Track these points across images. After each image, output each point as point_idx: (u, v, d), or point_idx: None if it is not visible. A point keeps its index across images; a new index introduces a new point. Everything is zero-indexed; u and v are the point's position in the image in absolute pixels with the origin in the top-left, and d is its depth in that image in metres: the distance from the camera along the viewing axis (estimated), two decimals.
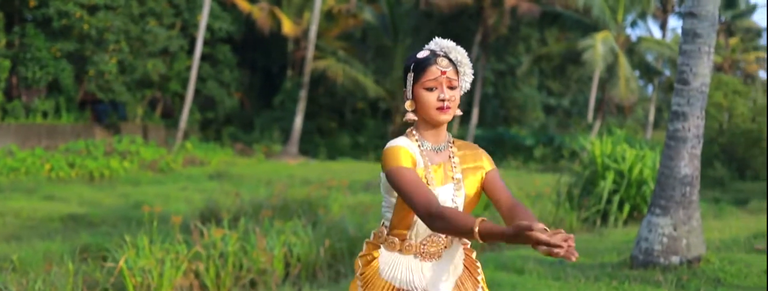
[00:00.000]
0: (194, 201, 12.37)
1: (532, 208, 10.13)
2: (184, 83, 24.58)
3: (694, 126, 5.69)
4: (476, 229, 2.03)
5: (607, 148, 10.96)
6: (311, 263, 7.09)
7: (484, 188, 2.47)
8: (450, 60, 2.37)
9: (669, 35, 37.42)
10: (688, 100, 5.69)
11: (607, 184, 10.34)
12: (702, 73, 5.68)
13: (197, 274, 6.18)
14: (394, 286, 2.43)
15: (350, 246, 7.41)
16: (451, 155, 2.46)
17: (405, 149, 2.36)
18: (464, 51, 2.43)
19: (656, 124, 36.56)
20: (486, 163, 2.50)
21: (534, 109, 37.68)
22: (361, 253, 2.53)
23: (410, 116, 2.41)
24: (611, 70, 26.23)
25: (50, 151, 19.13)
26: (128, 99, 23.14)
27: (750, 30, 44.68)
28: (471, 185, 2.44)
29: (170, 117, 26.80)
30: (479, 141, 29.00)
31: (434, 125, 2.41)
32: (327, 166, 21.51)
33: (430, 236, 2.41)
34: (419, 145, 2.42)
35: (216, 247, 6.34)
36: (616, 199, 10.34)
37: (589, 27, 26.53)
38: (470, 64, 2.44)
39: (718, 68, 41.26)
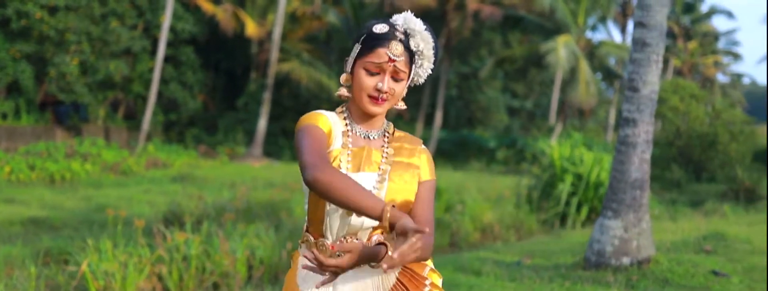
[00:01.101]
0: (157, 204, 12.36)
1: (492, 211, 10.32)
2: (147, 85, 24.44)
3: (644, 132, 5.90)
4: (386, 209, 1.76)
5: (566, 151, 11.21)
6: (274, 266, 7.18)
7: None
8: (408, 47, 2.01)
9: (629, 39, 38.08)
10: (638, 106, 5.90)
11: (565, 187, 10.59)
12: (651, 80, 5.89)
13: (160, 278, 6.23)
14: None
15: None
16: (385, 145, 2.08)
17: (325, 117, 2.04)
18: (430, 38, 2.03)
19: (617, 127, 37.17)
20: (424, 169, 2.11)
21: (498, 112, 38.07)
22: (293, 252, 2.18)
23: (342, 91, 2.07)
24: (573, 73, 26.65)
25: (10, 154, 18.88)
26: (90, 100, 22.93)
27: (708, 34, 45.64)
28: (399, 181, 2.04)
29: (133, 119, 26.62)
30: (443, 143, 29.27)
31: (365, 112, 2.05)
32: (291, 168, 21.54)
33: (346, 236, 2.02)
34: (347, 124, 2.07)
35: (179, 251, 6.40)
36: (575, 201, 10.59)
37: (551, 30, 26.94)
38: (431, 57, 2.05)
39: (677, 72, 42.13)
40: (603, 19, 32.27)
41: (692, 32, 43.14)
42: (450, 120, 34.57)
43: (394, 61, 1.97)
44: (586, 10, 27.36)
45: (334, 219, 2.01)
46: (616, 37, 58.27)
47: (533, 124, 38.11)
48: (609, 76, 31.27)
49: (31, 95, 21.91)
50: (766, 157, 19.81)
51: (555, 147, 11.30)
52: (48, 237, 8.65)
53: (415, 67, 2.04)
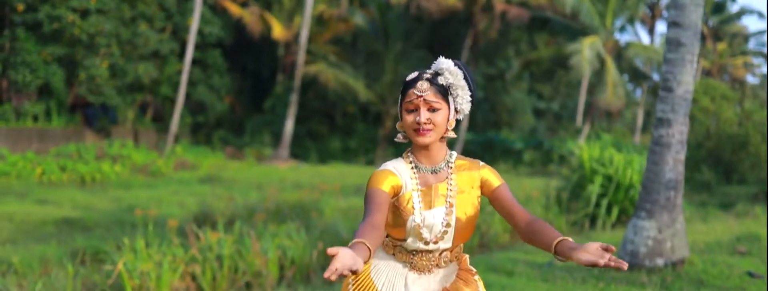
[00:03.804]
0: (187, 205, 12.46)
1: None
2: (175, 87, 24.65)
3: (678, 132, 5.85)
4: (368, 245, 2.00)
5: (595, 152, 11.13)
6: (305, 266, 7.21)
7: (494, 206, 2.47)
8: (435, 83, 2.35)
9: (657, 40, 37.75)
10: (672, 106, 5.86)
11: (595, 188, 10.51)
12: (685, 80, 5.84)
13: (194, 277, 6.29)
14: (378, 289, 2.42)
15: None
16: (449, 177, 2.43)
17: (390, 174, 2.37)
18: (459, 70, 2.40)
19: (644, 128, 36.87)
20: (492, 179, 2.47)
21: (524, 113, 37.86)
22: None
23: (400, 137, 2.42)
24: (599, 75, 26.45)
25: (41, 155, 19.14)
26: (119, 103, 23.17)
27: (737, 35, 45.04)
28: (462, 209, 2.41)
29: (161, 121, 26.85)
30: (470, 145, 29.22)
31: (421, 147, 2.40)
32: (318, 170, 21.62)
33: (421, 252, 2.40)
34: (413, 167, 2.42)
35: (212, 250, 6.45)
36: (604, 202, 10.50)
37: (578, 32, 26.75)
38: (465, 86, 2.41)
39: (706, 73, 41.66)
40: (631, 21, 31.96)
41: (721, 33, 42.63)
42: (476, 122, 34.46)
43: (421, 96, 2.33)
44: (613, 11, 27.13)
45: (412, 239, 2.39)
46: (644, 38, 57.82)
47: (560, 125, 37.88)
48: (636, 77, 31.00)
49: (61, 97, 22.19)
50: None
51: (585, 148, 11.21)
52: (81, 237, 8.77)
53: (452, 97, 2.41)
